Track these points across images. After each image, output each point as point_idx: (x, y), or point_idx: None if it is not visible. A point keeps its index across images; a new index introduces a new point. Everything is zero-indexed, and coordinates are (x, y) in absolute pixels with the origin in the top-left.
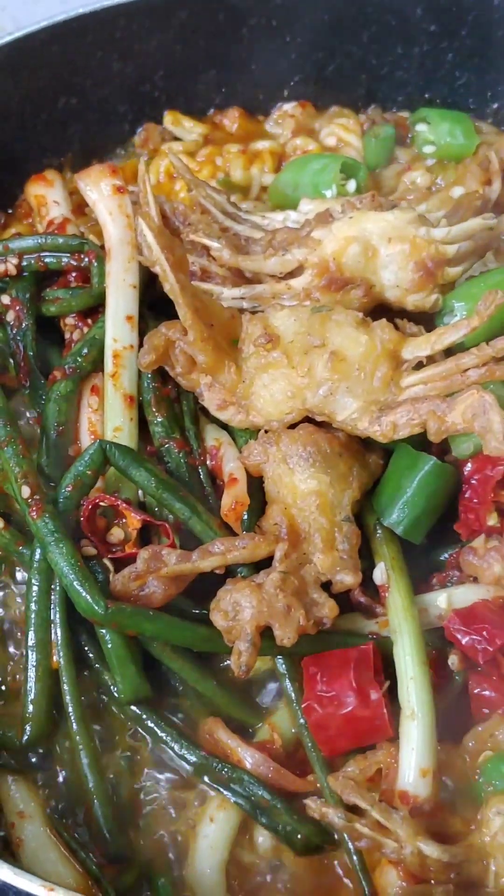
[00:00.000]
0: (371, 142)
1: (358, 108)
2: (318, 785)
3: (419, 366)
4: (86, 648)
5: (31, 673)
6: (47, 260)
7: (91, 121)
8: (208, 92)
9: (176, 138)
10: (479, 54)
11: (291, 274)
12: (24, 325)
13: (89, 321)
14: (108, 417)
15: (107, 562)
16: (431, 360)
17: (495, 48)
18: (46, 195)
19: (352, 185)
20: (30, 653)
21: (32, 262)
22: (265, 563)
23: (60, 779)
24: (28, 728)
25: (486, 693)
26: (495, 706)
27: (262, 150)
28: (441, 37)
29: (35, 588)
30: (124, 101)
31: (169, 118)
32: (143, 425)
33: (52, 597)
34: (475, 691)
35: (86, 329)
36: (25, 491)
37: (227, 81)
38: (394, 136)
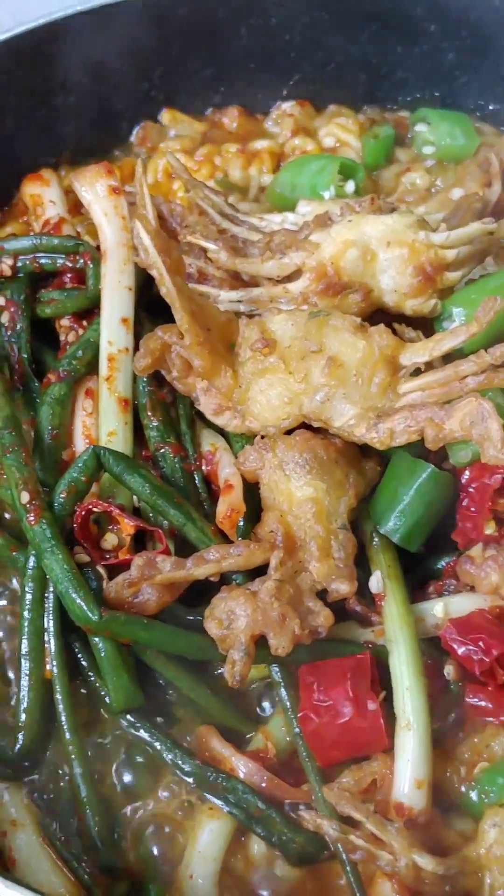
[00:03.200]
0: (370, 142)
1: (357, 107)
2: (313, 795)
3: (417, 372)
4: (79, 657)
5: (24, 682)
6: (42, 261)
7: (88, 119)
8: (207, 90)
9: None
10: (479, 54)
11: (289, 277)
12: (18, 326)
13: (84, 323)
14: (102, 421)
15: (100, 569)
16: (430, 366)
17: (496, 48)
18: (42, 194)
19: (350, 187)
20: (23, 661)
21: (27, 262)
22: (260, 571)
23: (53, 788)
24: (21, 737)
25: (482, 703)
26: (491, 716)
27: (261, 149)
28: (442, 36)
29: (29, 596)
30: (122, 99)
31: (167, 116)
32: (138, 429)
33: (46, 605)
34: (471, 701)
35: (81, 331)
36: (25, 496)
37: (226, 80)
38: (393, 137)
